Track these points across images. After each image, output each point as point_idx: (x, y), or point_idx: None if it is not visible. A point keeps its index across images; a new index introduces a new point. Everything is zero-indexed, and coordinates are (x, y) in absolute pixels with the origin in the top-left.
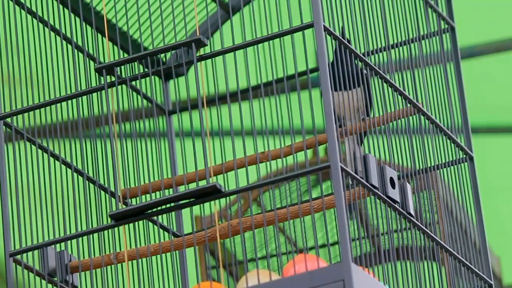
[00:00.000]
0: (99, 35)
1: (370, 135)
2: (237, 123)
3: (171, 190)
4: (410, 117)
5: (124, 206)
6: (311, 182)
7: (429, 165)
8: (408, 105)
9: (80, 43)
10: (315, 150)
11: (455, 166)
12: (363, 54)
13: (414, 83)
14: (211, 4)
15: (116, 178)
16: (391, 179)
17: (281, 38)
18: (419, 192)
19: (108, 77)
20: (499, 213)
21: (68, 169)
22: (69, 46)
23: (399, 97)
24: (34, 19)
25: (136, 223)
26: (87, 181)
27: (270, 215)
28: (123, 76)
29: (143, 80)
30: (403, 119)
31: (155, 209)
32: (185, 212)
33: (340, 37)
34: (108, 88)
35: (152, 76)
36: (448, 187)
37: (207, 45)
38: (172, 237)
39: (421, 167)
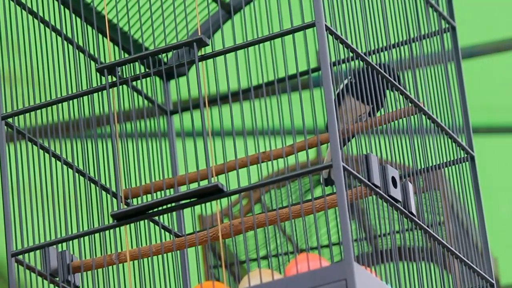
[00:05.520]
0: (100, 35)
1: (372, 134)
2: (239, 123)
3: (172, 190)
4: (411, 117)
5: (125, 206)
6: (312, 182)
7: (430, 164)
8: (409, 104)
9: (81, 43)
10: (317, 150)
11: (456, 166)
12: (364, 53)
13: (415, 83)
14: (212, 4)
15: (117, 178)
16: (393, 179)
17: (282, 37)
18: (420, 193)
19: (109, 77)
20: (498, 213)
21: (69, 169)
22: (70, 46)
23: (400, 96)
24: (35, 19)
25: (138, 223)
26: (88, 181)
27: (272, 215)
28: (125, 76)
29: (144, 80)
30: (404, 119)
31: (157, 209)
32: (187, 212)
33: (340, 36)
34: (109, 88)
35: (153, 76)
36: (450, 186)
37: (208, 45)
38: (174, 237)
39: (422, 167)
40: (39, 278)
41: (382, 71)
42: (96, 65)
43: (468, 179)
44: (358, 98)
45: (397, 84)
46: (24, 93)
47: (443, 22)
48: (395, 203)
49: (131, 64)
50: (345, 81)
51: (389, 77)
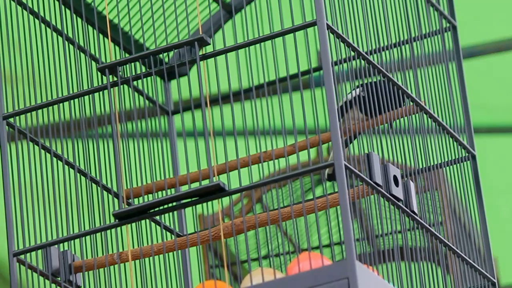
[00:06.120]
0: (101, 35)
1: (373, 134)
2: (240, 122)
3: (174, 190)
4: (413, 116)
5: (127, 206)
6: (314, 182)
7: (431, 163)
8: (411, 103)
9: (82, 43)
10: (319, 149)
11: (458, 165)
12: (366, 53)
13: (416, 82)
14: (213, 4)
15: (119, 178)
16: (395, 177)
17: (283, 37)
18: (422, 193)
19: (110, 77)
20: (498, 213)
21: (71, 169)
22: (71, 46)
23: (402, 95)
24: (36, 19)
25: (140, 222)
26: (90, 181)
27: (273, 214)
28: (126, 76)
29: (145, 80)
30: (405, 118)
31: (158, 209)
32: (188, 212)
33: (342, 35)
34: (110, 87)
35: (155, 76)
36: (451, 186)
37: (210, 44)
38: (176, 236)
39: (423, 166)
40: (41, 278)
41: (384, 71)
42: (97, 65)
43: (469, 178)
44: (362, 111)
45: (399, 84)
46: (26, 93)
47: (444, 21)
48: (397, 201)
49: (132, 63)
50: (351, 94)
51: (391, 77)
